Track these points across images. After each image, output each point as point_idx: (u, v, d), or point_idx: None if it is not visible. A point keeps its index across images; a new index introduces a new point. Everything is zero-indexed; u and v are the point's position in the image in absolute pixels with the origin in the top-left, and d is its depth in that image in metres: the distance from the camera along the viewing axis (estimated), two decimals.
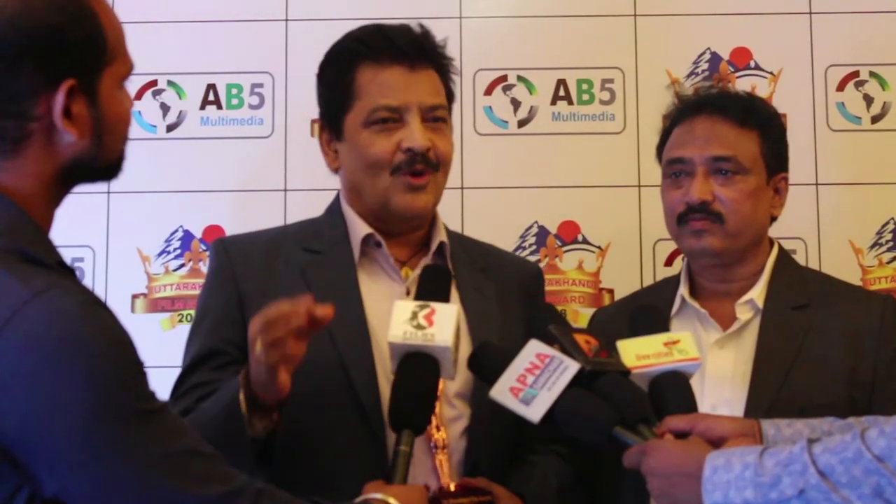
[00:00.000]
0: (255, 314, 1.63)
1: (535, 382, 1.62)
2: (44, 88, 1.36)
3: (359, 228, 1.93)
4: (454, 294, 1.93)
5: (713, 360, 2.03)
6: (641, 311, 1.90)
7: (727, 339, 2.06)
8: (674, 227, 2.10)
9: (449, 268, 1.92)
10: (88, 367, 1.26)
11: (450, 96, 1.98)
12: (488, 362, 1.72)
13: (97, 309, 1.31)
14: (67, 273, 1.38)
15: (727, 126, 2.07)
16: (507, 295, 2.00)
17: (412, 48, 1.91)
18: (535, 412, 1.61)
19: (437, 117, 1.91)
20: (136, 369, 1.33)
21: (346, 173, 1.96)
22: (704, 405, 1.91)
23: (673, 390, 1.72)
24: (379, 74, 1.90)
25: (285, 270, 1.91)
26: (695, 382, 1.83)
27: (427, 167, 1.88)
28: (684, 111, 2.14)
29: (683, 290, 2.12)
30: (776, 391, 1.96)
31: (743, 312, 2.07)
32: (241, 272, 1.89)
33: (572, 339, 1.68)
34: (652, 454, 1.56)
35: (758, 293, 2.06)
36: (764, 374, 1.99)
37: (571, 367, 1.63)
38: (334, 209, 1.99)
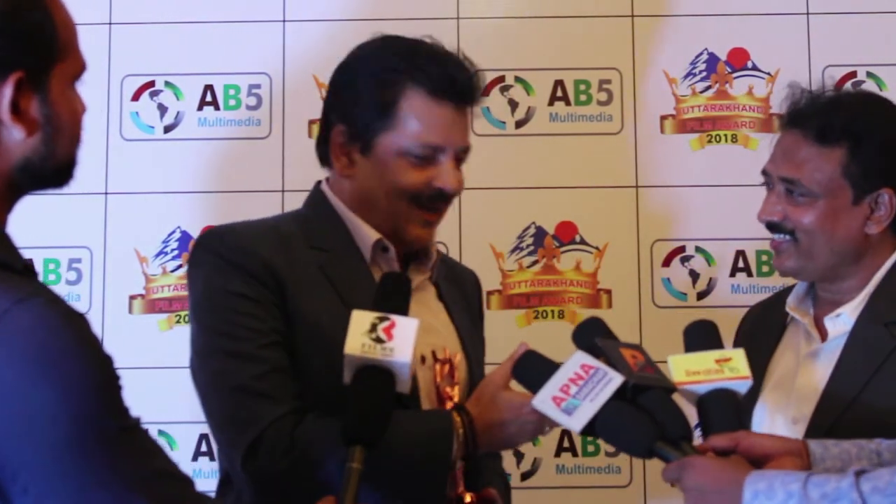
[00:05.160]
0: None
1: (577, 393, 1.61)
2: None
3: (366, 232, 1.91)
4: (440, 306, 1.94)
5: (803, 372, 1.95)
6: (696, 326, 1.81)
7: (820, 351, 1.96)
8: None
9: (408, 277, 1.86)
10: (69, 382, 1.23)
11: None
12: (533, 371, 1.70)
13: (77, 320, 1.27)
14: (34, 277, 1.34)
15: (806, 144, 1.93)
16: (469, 305, 2.04)
17: (467, 90, 1.88)
18: (576, 422, 1.59)
19: (462, 158, 1.91)
20: (114, 384, 1.29)
21: (360, 186, 1.91)
22: (787, 418, 1.87)
23: (719, 409, 1.67)
24: (431, 109, 1.85)
25: (299, 263, 1.86)
26: (783, 395, 1.80)
27: (446, 204, 1.90)
28: (783, 120, 2.03)
29: (791, 299, 2.04)
30: (842, 411, 1.86)
31: (835, 325, 1.96)
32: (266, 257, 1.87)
33: (618, 353, 1.67)
34: (690, 470, 1.53)
35: (853, 306, 1.94)
36: (834, 392, 1.89)
37: (615, 380, 1.61)
38: (326, 209, 1.94)
